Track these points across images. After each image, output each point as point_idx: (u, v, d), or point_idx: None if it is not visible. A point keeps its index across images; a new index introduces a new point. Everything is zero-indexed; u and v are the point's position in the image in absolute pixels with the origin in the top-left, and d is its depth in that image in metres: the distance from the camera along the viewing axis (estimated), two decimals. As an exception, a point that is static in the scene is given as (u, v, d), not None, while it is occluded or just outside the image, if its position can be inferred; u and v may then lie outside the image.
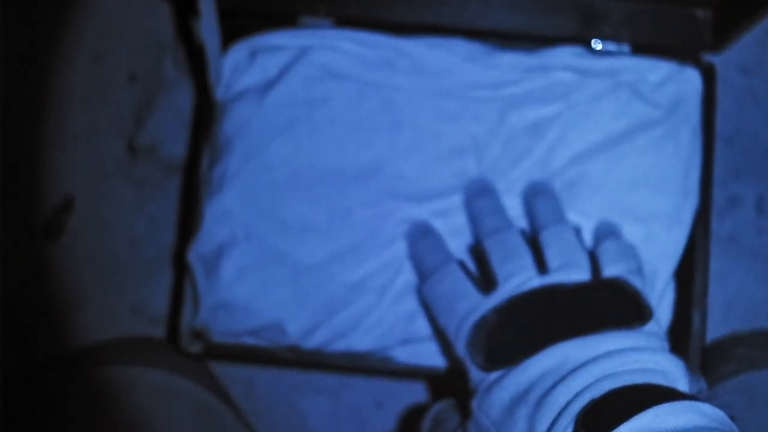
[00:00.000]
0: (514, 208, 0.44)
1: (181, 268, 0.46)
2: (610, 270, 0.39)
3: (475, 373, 0.37)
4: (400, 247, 0.44)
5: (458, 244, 0.44)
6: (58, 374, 0.42)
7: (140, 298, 0.51)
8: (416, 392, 0.50)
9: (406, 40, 0.45)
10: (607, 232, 0.43)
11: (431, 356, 0.44)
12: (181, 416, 0.42)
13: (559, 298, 0.37)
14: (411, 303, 0.44)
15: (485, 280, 0.40)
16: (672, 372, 0.34)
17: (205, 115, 0.46)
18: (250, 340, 0.44)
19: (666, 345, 0.36)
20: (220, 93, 0.45)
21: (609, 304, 0.37)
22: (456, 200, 0.44)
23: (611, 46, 0.46)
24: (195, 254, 0.44)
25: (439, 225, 0.44)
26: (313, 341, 0.44)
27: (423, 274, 0.42)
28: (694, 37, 0.46)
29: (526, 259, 0.39)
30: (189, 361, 0.46)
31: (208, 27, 0.41)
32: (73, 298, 0.51)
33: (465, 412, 0.38)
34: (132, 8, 0.52)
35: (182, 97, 0.52)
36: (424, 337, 0.44)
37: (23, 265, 0.51)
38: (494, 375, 0.36)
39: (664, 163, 0.44)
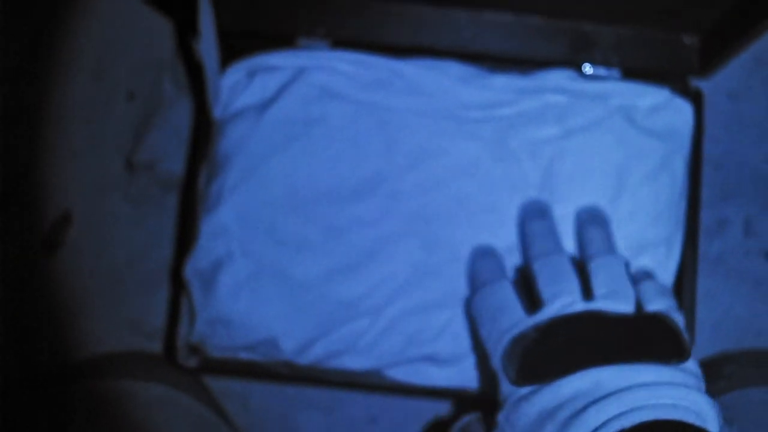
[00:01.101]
0: (510, 235, 0.44)
1: (178, 283, 0.46)
2: (653, 306, 0.39)
3: (505, 386, 0.37)
4: (396, 268, 0.44)
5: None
6: (56, 387, 0.43)
7: (138, 313, 0.51)
8: (410, 408, 0.50)
9: (401, 62, 0.46)
10: (643, 273, 0.43)
11: (426, 377, 0.44)
12: (179, 430, 0.42)
13: (600, 325, 0.37)
14: (407, 327, 0.44)
15: (531, 302, 0.40)
16: (705, 413, 0.33)
17: (203, 134, 0.46)
18: (245, 355, 0.45)
19: (702, 385, 0.36)
20: (218, 112, 0.46)
21: (649, 338, 0.37)
22: (460, 238, 0.44)
23: (601, 71, 0.47)
24: (191, 269, 0.44)
25: (441, 255, 0.44)
26: (307, 358, 0.44)
27: (475, 286, 0.43)
28: (682, 62, 0.47)
29: (573, 283, 0.39)
30: (184, 376, 0.47)
31: (207, 47, 0.41)
32: (71, 312, 0.51)
33: (490, 424, 0.38)
34: (132, 27, 0.53)
35: (181, 116, 0.52)
36: (419, 359, 0.44)
37: (21, 279, 0.51)
38: (524, 390, 0.36)
39: (660, 195, 0.45)
